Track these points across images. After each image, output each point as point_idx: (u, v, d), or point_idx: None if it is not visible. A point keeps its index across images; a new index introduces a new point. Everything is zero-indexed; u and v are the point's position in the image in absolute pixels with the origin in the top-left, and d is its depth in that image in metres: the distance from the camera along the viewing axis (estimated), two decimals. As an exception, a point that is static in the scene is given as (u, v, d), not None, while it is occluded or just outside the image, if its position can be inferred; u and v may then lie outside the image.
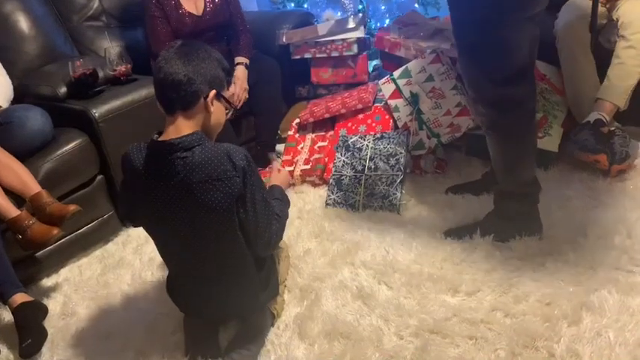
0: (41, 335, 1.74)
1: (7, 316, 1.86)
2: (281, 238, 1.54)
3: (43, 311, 1.84)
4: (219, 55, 1.43)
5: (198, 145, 1.33)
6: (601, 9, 2.14)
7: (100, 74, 2.25)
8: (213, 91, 1.37)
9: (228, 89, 1.48)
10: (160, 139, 1.36)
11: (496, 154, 1.75)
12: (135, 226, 1.61)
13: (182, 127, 1.35)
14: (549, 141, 2.14)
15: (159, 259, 1.99)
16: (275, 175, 1.77)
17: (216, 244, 1.42)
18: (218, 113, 1.42)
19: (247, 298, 1.54)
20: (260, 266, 1.53)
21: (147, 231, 1.52)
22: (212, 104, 1.38)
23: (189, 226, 1.39)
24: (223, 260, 1.46)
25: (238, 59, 2.54)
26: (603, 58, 2.14)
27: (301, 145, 2.55)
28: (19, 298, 1.76)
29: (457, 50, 1.66)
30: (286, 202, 1.66)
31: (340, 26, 2.74)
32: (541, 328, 1.46)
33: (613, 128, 2.05)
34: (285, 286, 1.77)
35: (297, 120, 2.62)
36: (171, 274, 1.60)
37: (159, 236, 1.51)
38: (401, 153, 2.21)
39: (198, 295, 1.55)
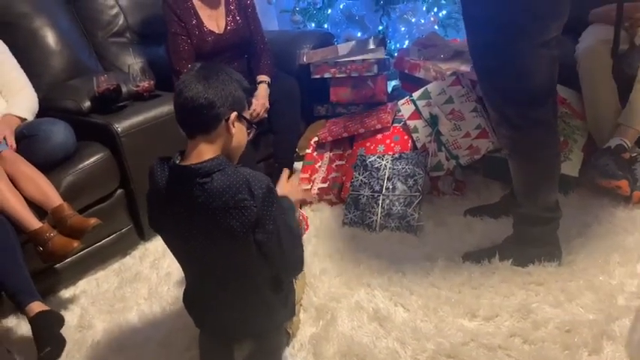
0: (60, 343, 1.75)
1: (25, 327, 1.87)
2: (303, 260, 1.52)
3: (60, 321, 1.84)
4: (240, 76, 1.41)
5: (218, 170, 1.31)
6: (623, 34, 2.14)
7: (124, 90, 2.29)
8: (235, 113, 1.35)
9: (249, 109, 1.46)
10: (180, 164, 1.35)
11: (518, 178, 1.74)
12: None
13: (203, 151, 1.34)
14: (569, 165, 2.12)
15: (176, 274, 2.02)
16: (284, 185, 1.72)
17: (232, 266, 1.42)
18: (239, 135, 1.40)
19: (264, 318, 1.53)
20: (279, 288, 1.52)
21: (166, 245, 1.54)
22: (233, 126, 1.36)
23: (207, 248, 1.39)
24: (240, 282, 1.45)
25: (260, 78, 2.56)
26: (625, 83, 2.13)
27: (319, 164, 2.56)
28: (36, 307, 1.78)
29: (476, 73, 1.68)
30: (292, 210, 1.59)
31: (360, 47, 2.76)
32: (560, 355, 1.44)
33: (635, 154, 2.04)
34: (301, 305, 1.77)
35: (316, 138, 2.63)
36: (189, 288, 1.60)
37: (178, 252, 1.51)
38: (419, 174, 2.21)
39: (214, 312, 1.54)
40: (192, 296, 1.58)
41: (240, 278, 1.45)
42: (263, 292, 1.48)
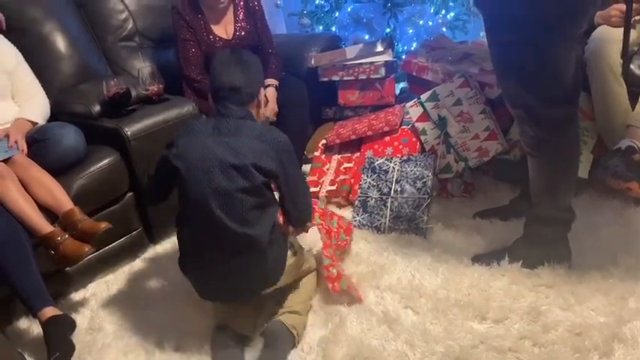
0: (69, 349, 1.76)
1: (36, 329, 1.89)
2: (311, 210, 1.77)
3: (72, 325, 1.85)
4: (258, 59, 1.71)
5: (251, 119, 1.62)
6: (633, 34, 2.12)
7: (133, 93, 2.29)
8: (262, 90, 1.68)
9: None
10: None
11: (538, 177, 1.72)
12: (157, 199, 1.82)
13: None
14: (579, 167, 2.10)
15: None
16: None
17: (238, 201, 1.54)
18: (263, 107, 1.72)
19: (259, 267, 1.61)
20: (272, 240, 1.61)
21: (180, 193, 1.63)
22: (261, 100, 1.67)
23: (224, 178, 1.52)
24: (242, 223, 1.54)
25: (268, 81, 2.57)
26: (635, 84, 2.11)
27: (327, 166, 2.56)
28: (49, 311, 1.79)
29: (499, 73, 1.64)
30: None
31: (368, 49, 2.76)
32: (571, 358, 1.43)
33: (645, 156, 2.02)
34: (311, 305, 1.77)
35: (324, 141, 2.64)
36: (186, 250, 1.68)
37: (190, 195, 1.57)
38: (428, 176, 2.21)
39: (211, 269, 1.62)
40: (190, 257, 1.67)
41: (242, 221, 1.54)
42: (258, 241, 1.57)
